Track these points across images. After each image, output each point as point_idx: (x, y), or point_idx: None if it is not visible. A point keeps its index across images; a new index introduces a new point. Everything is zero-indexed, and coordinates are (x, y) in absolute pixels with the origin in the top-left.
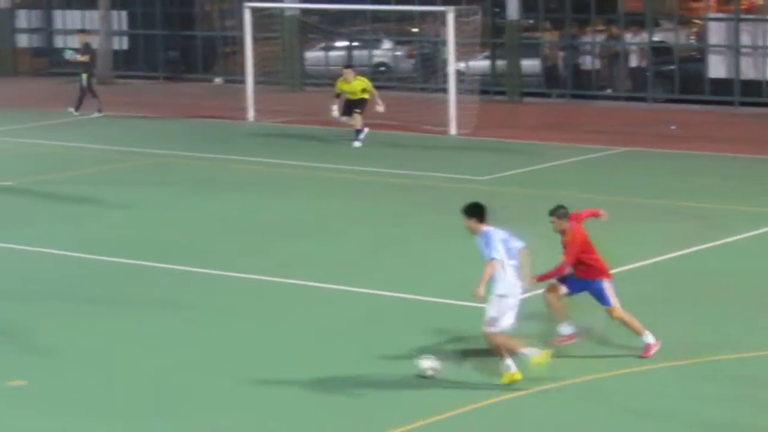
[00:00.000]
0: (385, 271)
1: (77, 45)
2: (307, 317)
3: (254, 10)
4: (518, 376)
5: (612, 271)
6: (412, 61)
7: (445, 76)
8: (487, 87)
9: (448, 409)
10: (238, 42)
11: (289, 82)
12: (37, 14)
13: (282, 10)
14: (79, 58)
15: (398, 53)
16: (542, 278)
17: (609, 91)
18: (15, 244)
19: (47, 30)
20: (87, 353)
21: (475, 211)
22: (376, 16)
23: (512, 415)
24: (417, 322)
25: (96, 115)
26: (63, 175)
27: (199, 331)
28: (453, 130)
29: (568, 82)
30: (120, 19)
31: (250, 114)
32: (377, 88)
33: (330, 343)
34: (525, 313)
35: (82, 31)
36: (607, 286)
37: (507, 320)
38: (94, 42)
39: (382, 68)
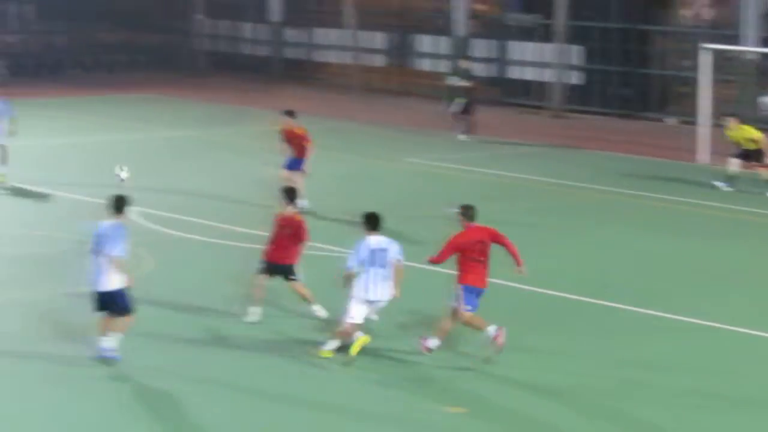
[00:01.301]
0: None
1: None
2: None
3: (713, 52)
4: (329, 354)
5: None
6: None
7: None
8: None
9: None
10: (693, 83)
11: None
12: (492, 44)
13: (741, 53)
14: (461, 83)
15: None
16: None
17: None
18: None
19: (501, 60)
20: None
21: (366, 220)
22: None
23: None
24: None
25: (461, 137)
26: (504, 205)
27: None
28: None
29: None
30: (575, 53)
31: (702, 156)
32: None
33: None
34: None
35: (466, 57)
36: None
37: (356, 313)
38: (547, 75)
39: None
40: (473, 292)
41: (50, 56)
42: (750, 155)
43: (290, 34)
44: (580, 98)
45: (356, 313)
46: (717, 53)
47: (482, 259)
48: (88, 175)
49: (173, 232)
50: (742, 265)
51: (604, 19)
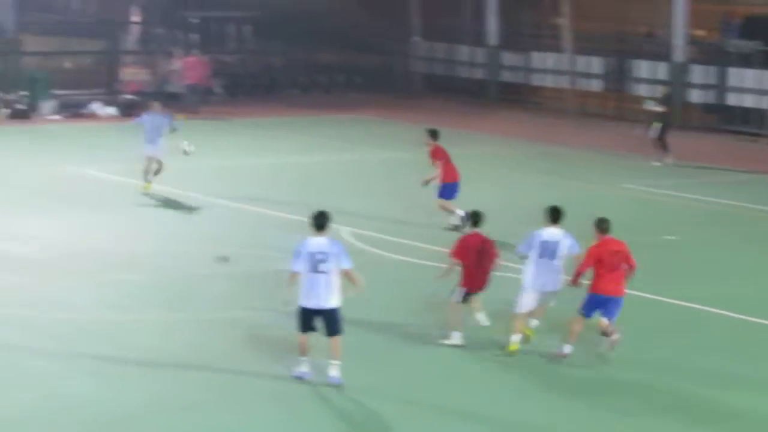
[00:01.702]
0: None
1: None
2: None
3: None
4: (515, 347)
5: None
6: None
7: None
8: None
9: None
10: None
11: None
12: (711, 70)
13: None
14: (656, 108)
15: None
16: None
17: None
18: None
19: (721, 87)
20: None
21: (547, 213)
22: None
23: None
24: None
25: (656, 164)
26: (716, 232)
27: None
28: None
29: None
30: None
31: None
32: None
33: None
34: None
35: (664, 83)
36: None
37: (525, 303)
38: (766, 102)
39: None
40: (598, 300)
41: (267, 76)
42: None
43: (507, 57)
44: None
45: (524, 302)
46: None
47: (615, 268)
48: (300, 194)
49: (382, 253)
50: None
51: None
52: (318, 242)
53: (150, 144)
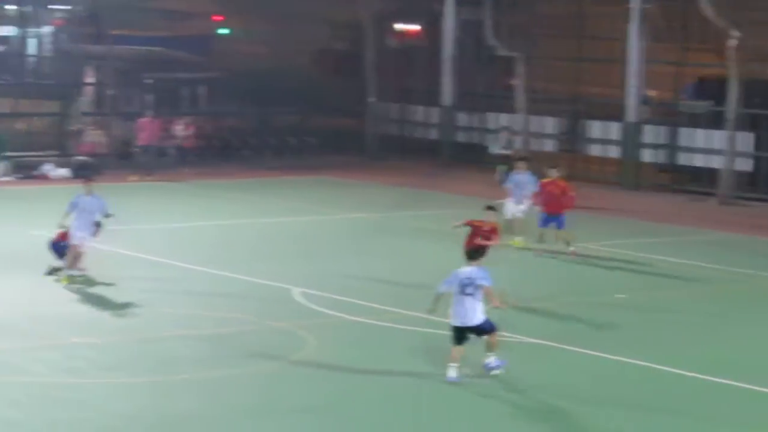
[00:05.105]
0: None
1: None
2: None
3: None
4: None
5: None
6: None
7: None
8: None
9: None
10: None
11: None
12: (663, 130)
13: None
14: (502, 152)
15: None
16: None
17: None
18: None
19: (671, 146)
20: None
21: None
22: None
23: None
24: None
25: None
26: (671, 293)
27: None
28: None
29: None
30: (746, 140)
31: None
32: None
33: None
34: None
35: (506, 129)
36: None
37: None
38: (715, 161)
39: None
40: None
41: (219, 138)
42: None
43: (461, 117)
44: (749, 185)
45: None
46: None
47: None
48: (253, 256)
49: (336, 314)
50: None
51: None
52: (467, 270)
53: (79, 231)
